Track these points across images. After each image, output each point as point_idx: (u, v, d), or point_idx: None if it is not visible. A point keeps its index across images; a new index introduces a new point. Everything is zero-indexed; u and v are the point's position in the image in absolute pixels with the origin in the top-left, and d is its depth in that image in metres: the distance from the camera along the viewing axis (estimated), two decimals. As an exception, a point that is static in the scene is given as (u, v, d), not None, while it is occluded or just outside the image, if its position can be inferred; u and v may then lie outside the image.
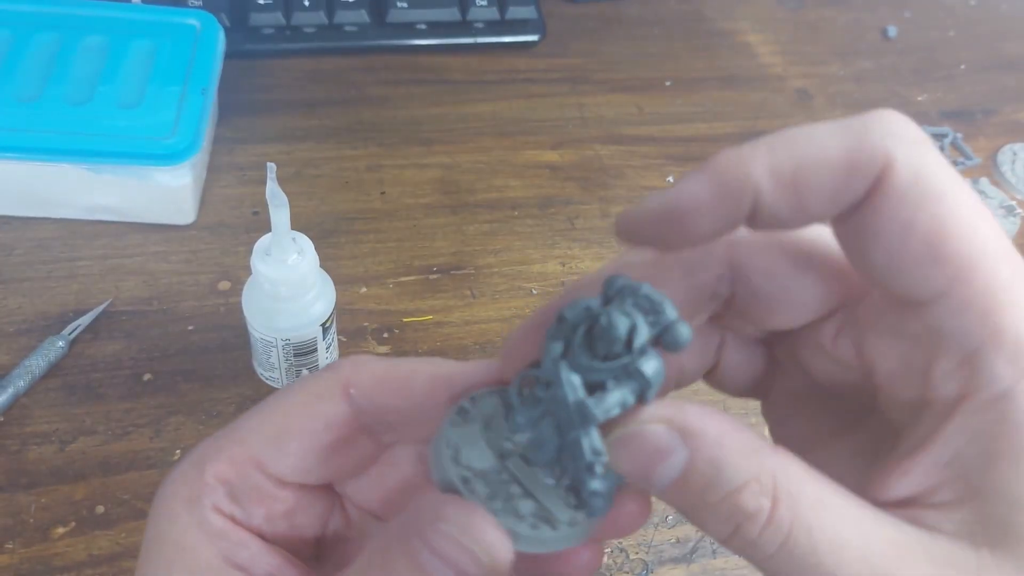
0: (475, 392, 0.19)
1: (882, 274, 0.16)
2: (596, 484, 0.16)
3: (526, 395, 0.17)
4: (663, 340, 0.16)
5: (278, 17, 0.48)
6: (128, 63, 0.40)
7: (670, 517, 0.34)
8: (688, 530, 0.33)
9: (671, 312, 0.16)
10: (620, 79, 0.51)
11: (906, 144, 0.15)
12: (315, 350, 0.33)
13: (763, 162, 0.15)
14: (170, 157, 0.37)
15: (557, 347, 0.16)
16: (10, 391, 0.33)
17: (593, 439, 0.16)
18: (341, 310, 0.38)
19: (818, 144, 0.15)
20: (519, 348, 0.18)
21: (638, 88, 0.51)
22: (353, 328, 0.38)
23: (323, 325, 0.33)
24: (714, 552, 0.33)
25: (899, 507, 0.16)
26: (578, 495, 0.17)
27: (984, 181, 0.49)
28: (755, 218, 0.16)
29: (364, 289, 0.39)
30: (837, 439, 0.18)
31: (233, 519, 0.20)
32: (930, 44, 0.58)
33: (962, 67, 0.57)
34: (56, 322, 0.36)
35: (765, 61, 0.54)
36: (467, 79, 0.50)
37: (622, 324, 0.16)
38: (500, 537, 0.16)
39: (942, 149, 0.51)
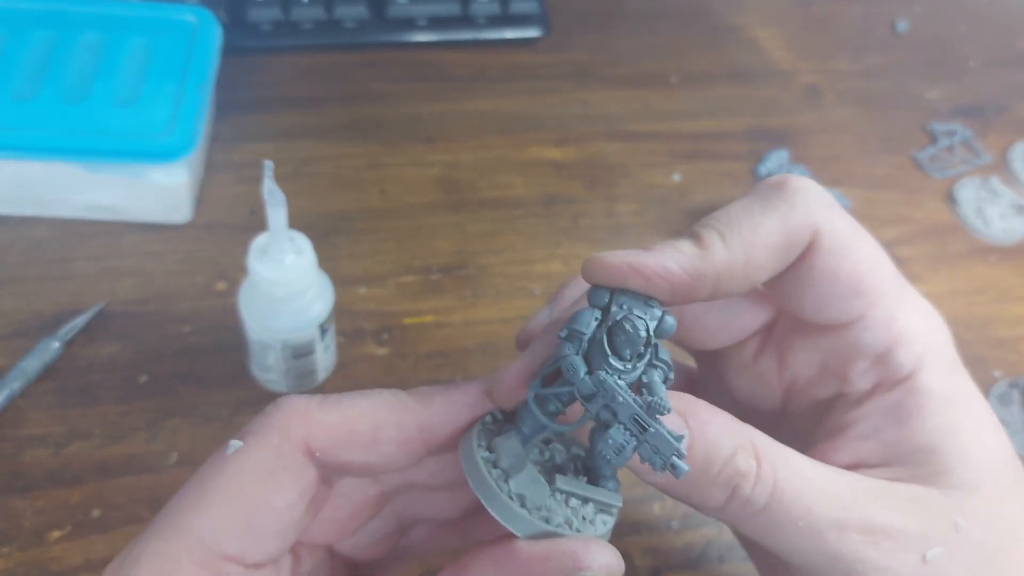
0: (476, 427, 0.20)
1: (811, 310, 0.21)
2: (684, 465, 0.18)
3: (550, 412, 0.19)
4: (658, 331, 0.19)
5: (276, 13, 0.47)
6: (124, 60, 0.39)
7: (675, 522, 0.33)
8: (694, 536, 0.33)
9: (658, 306, 0.19)
10: (625, 75, 0.51)
11: (824, 211, 0.20)
12: (313, 352, 0.33)
13: (720, 254, 0.19)
14: (166, 155, 0.36)
15: (580, 361, 0.18)
16: (5, 393, 0.33)
17: (667, 427, 0.18)
18: (340, 311, 0.37)
19: (758, 228, 0.19)
20: (516, 385, 0.20)
21: (643, 84, 0.50)
22: (352, 329, 0.37)
23: (321, 326, 0.32)
24: (720, 558, 0.32)
25: None
26: (603, 478, 0.20)
27: (995, 179, 0.48)
28: (711, 294, 0.20)
29: (363, 289, 0.39)
30: None
31: None
32: (940, 39, 0.57)
33: (973, 63, 0.56)
34: (51, 323, 0.36)
35: (773, 56, 0.54)
36: (469, 75, 0.49)
37: (642, 326, 0.18)
38: (615, 554, 0.19)
39: (951, 147, 0.50)
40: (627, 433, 0.18)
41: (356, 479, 0.22)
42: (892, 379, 0.21)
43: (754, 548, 0.25)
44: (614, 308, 0.19)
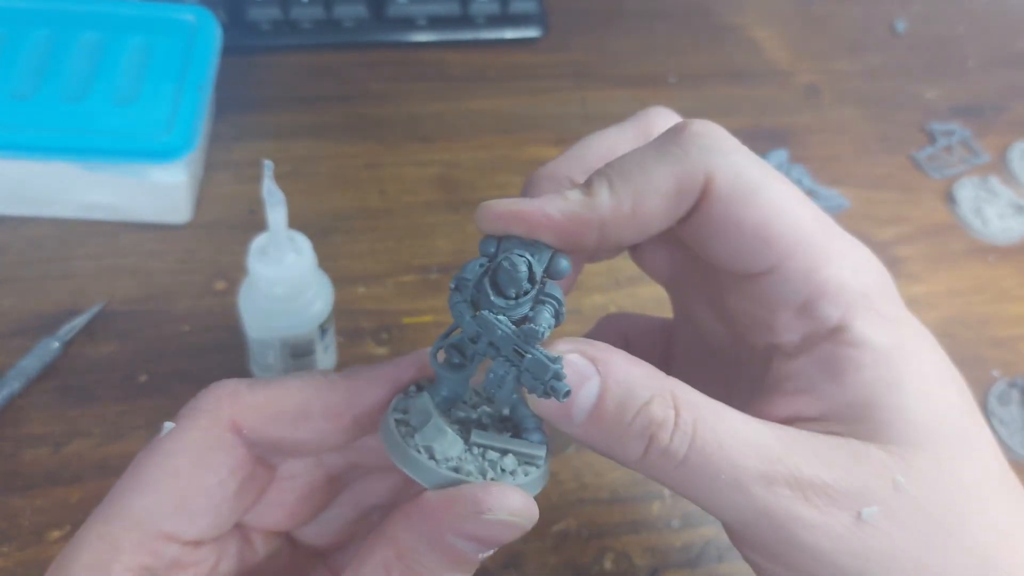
0: (392, 401, 0.21)
1: (722, 259, 0.20)
2: (563, 385, 0.18)
3: (454, 364, 0.20)
4: (549, 271, 0.19)
5: (275, 12, 0.47)
6: (124, 59, 0.39)
7: (674, 521, 0.33)
8: (693, 535, 0.33)
9: (548, 249, 0.19)
10: (624, 74, 0.51)
11: (721, 156, 0.19)
12: (313, 351, 0.33)
13: (608, 201, 0.19)
14: (166, 154, 0.36)
15: (466, 307, 0.19)
16: (4, 393, 0.33)
17: (543, 352, 0.18)
18: (339, 310, 0.37)
19: (649, 176, 0.19)
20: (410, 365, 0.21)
21: (642, 83, 0.50)
22: (351, 328, 0.37)
23: (321, 326, 0.32)
24: (719, 557, 0.32)
25: None
26: (526, 431, 0.20)
27: (993, 179, 0.48)
28: (601, 245, 0.19)
29: (362, 289, 0.39)
30: (720, 391, 0.20)
31: None
32: (940, 39, 0.57)
33: (972, 63, 0.56)
34: (51, 323, 0.36)
35: (772, 56, 0.54)
36: (468, 75, 0.49)
37: (522, 263, 0.18)
38: (525, 498, 0.18)
39: (950, 147, 0.50)
40: (507, 364, 0.18)
41: (300, 462, 0.22)
42: (820, 331, 0.20)
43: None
44: (500, 253, 0.19)
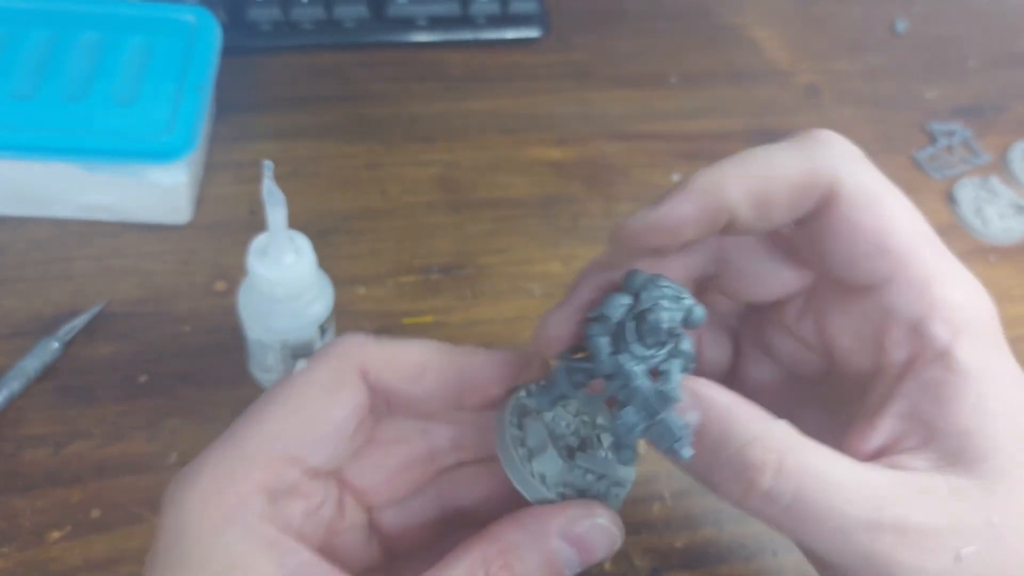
0: (511, 402, 0.22)
1: (838, 267, 0.21)
2: (687, 450, 0.19)
3: (582, 391, 0.21)
4: (686, 321, 0.19)
5: (276, 13, 0.47)
6: (124, 60, 0.39)
7: (675, 523, 0.33)
8: (694, 537, 0.33)
9: (689, 298, 0.20)
10: (625, 75, 0.51)
11: (848, 162, 0.20)
12: (313, 352, 0.33)
13: (737, 184, 0.20)
14: (166, 155, 0.36)
15: (605, 343, 0.19)
16: (4, 393, 0.33)
17: (676, 417, 0.19)
18: (339, 311, 0.37)
19: (779, 167, 0.20)
20: (556, 335, 0.21)
21: (643, 84, 0.50)
22: (351, 329, 0.37)
23: (321, 326, 0.32)
24: (720, 558, 0.32)
25: (873, 458, 0.20)
26: (617, 452, 0.21)
27: (994, 179, 0.48)
28: (729, 228, 0.20)
29: (363, 289, 0.39)
30: (800, 414, 0.21)
31: (280, 523, 0.19)
32: (940, 39, 0.57)
33: (972, 63, 0.56)
34: (51, 323, 0.36)
35: (772, 56, 0.54)
36: (468, 75, 0.49)
37: (666, 318, 0.19)
38: (618, 517, 0.20)
39: (950, 147, 0.50)
40: (638, 415, 0.19)
41: (407, 427, 0.23)
42: (929, 353, 0.20)
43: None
44: (643, 295, 0.19)
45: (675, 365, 0.19)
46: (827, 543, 0.18)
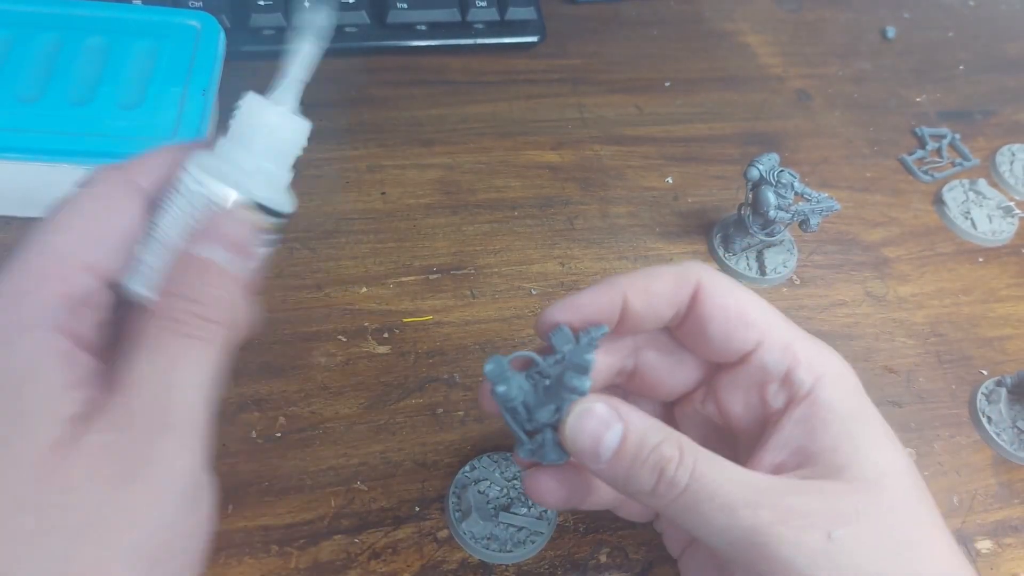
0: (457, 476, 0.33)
1: (718, 344, 0.26)
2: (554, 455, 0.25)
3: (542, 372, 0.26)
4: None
5: (279, 18, 0.48)
6: (129, 64, 0.40)
7: (669, 516, 0.34)
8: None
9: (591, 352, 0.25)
10: (620, 80, 0.52)
11: (707, 270, 0.26)
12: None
13: (628, 279, 0.26)
14: (171, 158, 0.37)
15: (550, 361, 0.26)
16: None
17: (580, 382, 0.24)
18: (342, 310, 0.38)
19: (658, 271, 0.26)
20: (546, 325, 0.26)
21: (638, 89, 0.51)
22: (354, 328, 0.38)
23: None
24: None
25: None
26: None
27: (982, 182, 0.49)
28: (627, 317, 0.26)
29: (364, 289, 0.39)
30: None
31: (72, 335, 0.20)
32: (929, 45, 0.58)
33: (961, 68, 0.57)
34: (57, 322, 0.36)
35: (764, 62, 0.55)
36: (467, 80, 0.50)
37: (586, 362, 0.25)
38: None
39: (940, 151, 0.51)
40: (549, 398, 0.25)
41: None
42: (798, 395, 0.25)
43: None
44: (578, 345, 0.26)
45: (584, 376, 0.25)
46: (715, 520, 0.22)
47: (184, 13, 0.42)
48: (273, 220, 0.24)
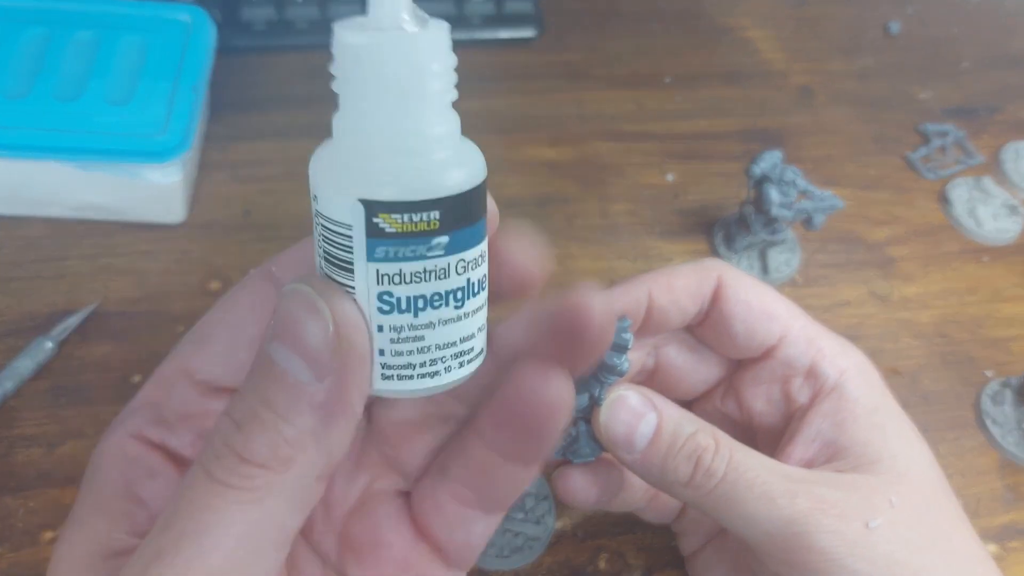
0: None
1: (741, 339, 0.26)
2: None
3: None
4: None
5: (270, 12, 0.47)
6: (118, 59, 0.39)
7: (669, 522, 0.33)
8: (687, 535, 0.33)
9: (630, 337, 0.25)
10: (619, 75, 0.51)
11: (726, 267, 0.26)
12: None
13: (651, 277, 0.26)
14: (160, 154, 0.36)
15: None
16: (-3, 393, 0.33)
17: (620, 360, 0.24)
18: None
19: (680, 268, 0.26)
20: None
21: (637, 84, 0.50)
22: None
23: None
24: (713, 557, 0.32)
25: None
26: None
27: (987, 180, 0.48)
28: (651, 316, 0.26)
29: (358, 289, 0.39)
30: None
31: (155, 444, 0.19)
32: (933, 41, 0.57)
33: (966, 64, 0.56)
34: (44, 323, 0.35)
35: (767, 57, 0.54)
36: (463, 75, 0.49)
37: (622, 364, 0.24)
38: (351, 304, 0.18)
39: (943, 148, 0.50)
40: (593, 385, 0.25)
41: None
42: (824, 389, 0.25)
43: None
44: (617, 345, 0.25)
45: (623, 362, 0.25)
46: (753, 510, 0.22)
47: (174, 7, 0.41)
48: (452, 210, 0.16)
